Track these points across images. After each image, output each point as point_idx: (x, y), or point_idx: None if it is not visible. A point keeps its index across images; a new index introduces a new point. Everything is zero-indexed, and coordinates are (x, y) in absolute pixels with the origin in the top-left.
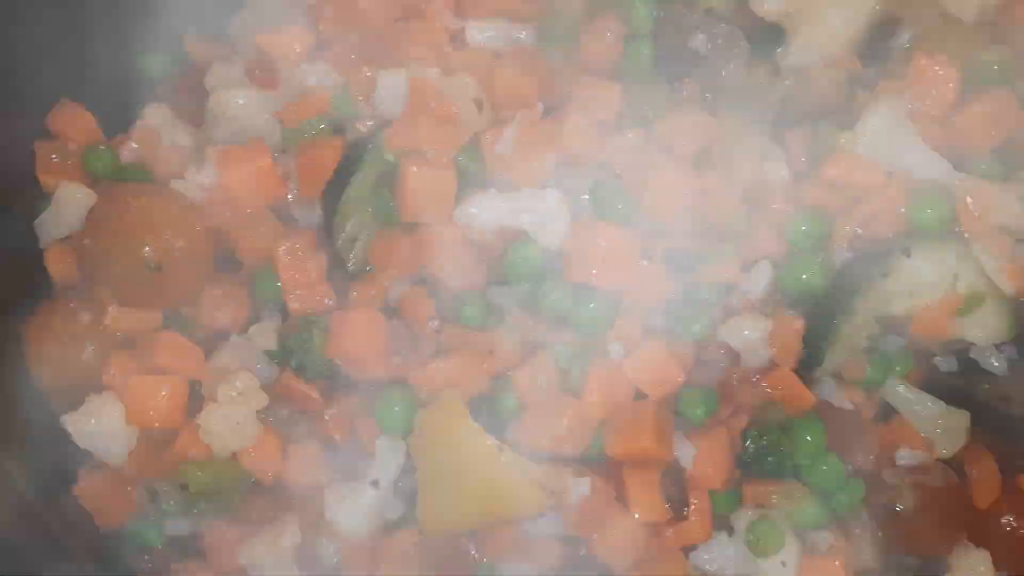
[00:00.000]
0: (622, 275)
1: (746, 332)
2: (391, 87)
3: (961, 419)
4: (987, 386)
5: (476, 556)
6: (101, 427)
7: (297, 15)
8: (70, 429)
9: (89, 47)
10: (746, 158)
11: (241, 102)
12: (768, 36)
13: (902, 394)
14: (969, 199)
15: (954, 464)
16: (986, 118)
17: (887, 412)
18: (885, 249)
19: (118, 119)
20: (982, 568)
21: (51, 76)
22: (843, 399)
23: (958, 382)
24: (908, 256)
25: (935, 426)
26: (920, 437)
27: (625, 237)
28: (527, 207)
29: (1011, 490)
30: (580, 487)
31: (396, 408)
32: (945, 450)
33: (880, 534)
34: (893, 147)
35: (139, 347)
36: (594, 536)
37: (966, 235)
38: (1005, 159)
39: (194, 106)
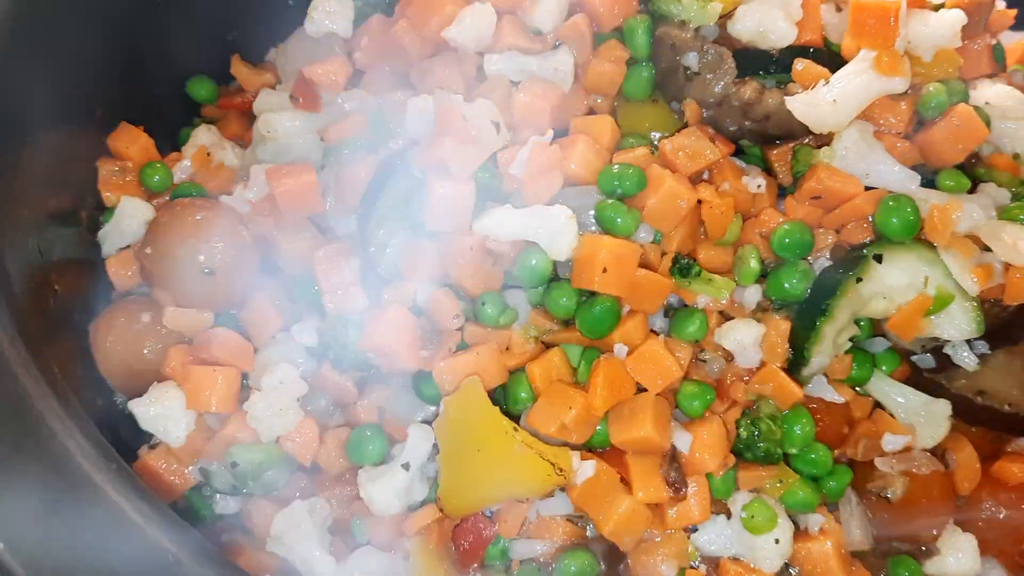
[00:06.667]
0: (623, 283)
1: (739, 336)
2: (420, 110)
3: (942, 409)
4: (964, 381)
5: (491, 533)
6: (164, 412)
7: (335, 46)
8: (136, 413)
9: (144, 73)
10: (735, 172)
11: (287, 124)
12: (753, 56)
13: (886, 389)
14: (936, 211)
15: (937, 453)
16: (950, 134)
17: (873, 405)
18: (859, 256)
19: (172, 140)
20: (968, 551)
21: (111, 100)
22: (834, 394)
23: (936, 378)
24: (880, 262)
25: (918, 417)
26: (903, 427)
27: (626, 249)
28: (538, 222)
29: (990, 478)
30: (587, 468)
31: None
32: (929, 439)
33: (871, 519)
34: (866, 162)
35: (195, 343)
36: (600, 516)
37: (933, 241)
38: (971, 173)
39: (239, 127)
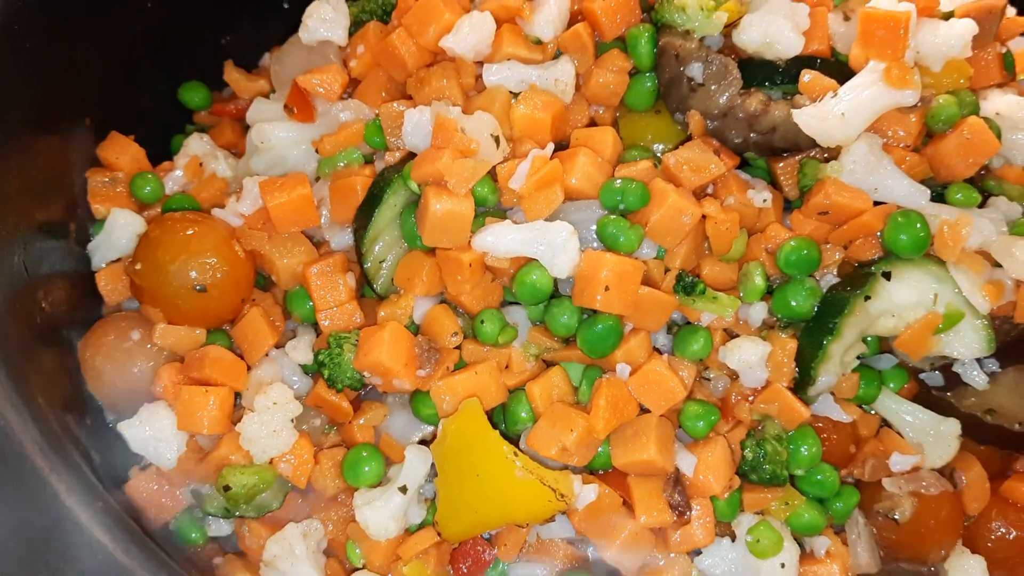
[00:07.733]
0: (626, 301)
1: (744, 354)
2: (417, 123)
3: (951, 428)
4: (973, 399)
5: (489, 557)
6: (155, 433)
7: (330, 54)
8: (126, 435)
9: (135, 79)
10: (740, 185)
11: (282, 135)
12: (759, 66)
13: (894, 408)
14: (946, 227)
15: (946, 473)
16: (961, 147)
17: (881, 424)
18: (867, 273)
19: (163, 150)
20: (978, 572)
21: (101, 107)
22: (841, 414)
23: (945, 396)
24: (888, 279)
25: (927, 436)
26: (912, 446)
27: (629, 266)
28: (539, 238)
29: (999, 497)
30: (588, 493)
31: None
32: (938, 459)
33: (879, 540)
34: (875, 176)
35: (187, 361)
36: (602, 540)
37: (943, 258)
38: (981, 185)
39: (232, 135)
